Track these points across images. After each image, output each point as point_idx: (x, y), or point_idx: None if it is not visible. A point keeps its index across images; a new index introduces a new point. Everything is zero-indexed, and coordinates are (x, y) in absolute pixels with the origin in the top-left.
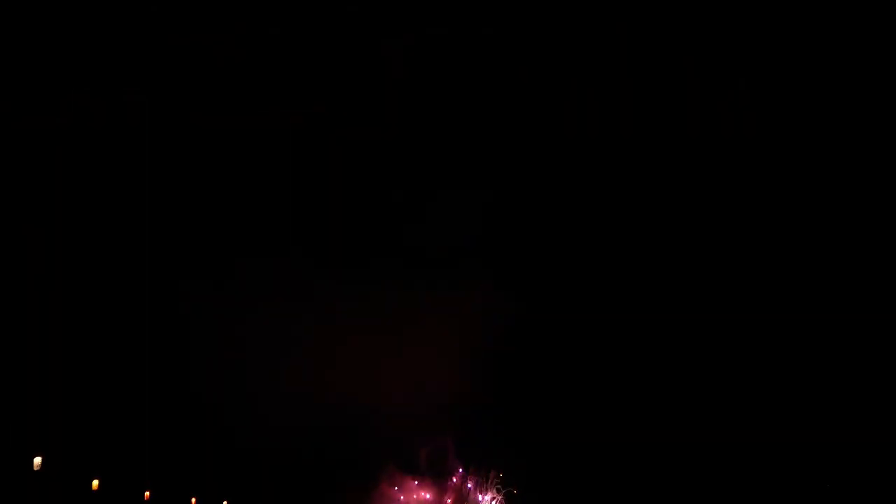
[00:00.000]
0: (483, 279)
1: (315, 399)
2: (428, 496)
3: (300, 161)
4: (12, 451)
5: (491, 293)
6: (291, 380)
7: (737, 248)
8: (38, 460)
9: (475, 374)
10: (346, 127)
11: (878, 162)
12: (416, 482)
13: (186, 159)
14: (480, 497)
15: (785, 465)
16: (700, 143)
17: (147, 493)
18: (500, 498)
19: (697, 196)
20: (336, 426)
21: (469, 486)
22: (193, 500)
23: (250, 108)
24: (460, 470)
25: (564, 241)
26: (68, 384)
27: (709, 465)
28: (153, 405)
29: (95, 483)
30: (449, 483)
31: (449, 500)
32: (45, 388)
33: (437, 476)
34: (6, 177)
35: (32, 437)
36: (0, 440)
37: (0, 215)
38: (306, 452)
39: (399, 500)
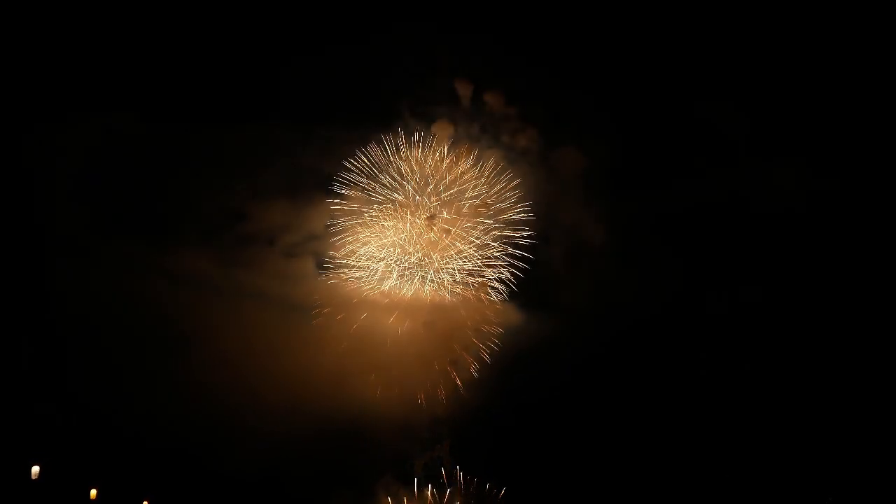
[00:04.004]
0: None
1: (309, 409)
2: None
3: None
4: (10, 460)
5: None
6: (285, 390)
7: None
8: (35, 469)
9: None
10: None
11: None
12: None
13: None
14: None
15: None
16: None
17: (145, 502)
18: None
19: None
20: (333, 436)
21: None
22: None
23: None
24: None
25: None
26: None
27: (710, 472)
28: (151, 414)
29: (93, 492)
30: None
31: None
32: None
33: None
34: None
35: (30, 446)
36: None
37: None
38: (303, 463)
39: None
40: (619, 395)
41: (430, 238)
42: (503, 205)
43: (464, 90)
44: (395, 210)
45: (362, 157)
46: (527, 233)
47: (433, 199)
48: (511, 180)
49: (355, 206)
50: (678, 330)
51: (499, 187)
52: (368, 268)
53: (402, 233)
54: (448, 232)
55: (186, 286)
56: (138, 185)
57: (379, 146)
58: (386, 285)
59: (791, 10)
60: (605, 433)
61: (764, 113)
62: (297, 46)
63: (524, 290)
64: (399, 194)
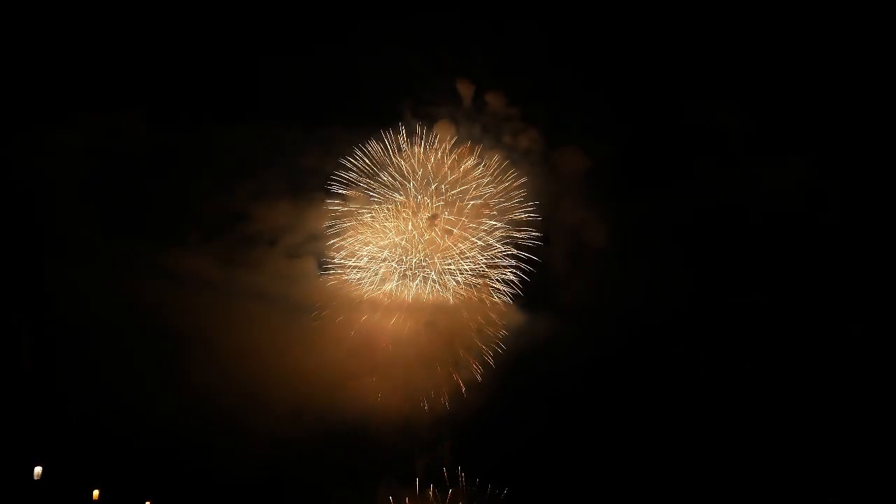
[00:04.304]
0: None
1: (311, 410)
2: None
3: None
4: (13, 460)
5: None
6: (287, 391)
7: None
8: (38, 470)
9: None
10: None
11: None
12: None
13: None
14: None
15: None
16: None
17: (147, 503)
18: None
19: None
20: (335, 437)
21: None
22: None
23: None
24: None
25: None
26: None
27: (712, 472)
28: (152, 415)
29: (96, 493)
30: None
31: None
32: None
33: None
34: None
35: (33, 446)
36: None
37: None
38: (305, 464)
39: None
40: (621, 396)
41: (432, 238)
42: (507, 204)
43: (465, 90)
44: (397, 210)
45: (363, 156)
46: (531, 233)
47: (435, 198)
48: (514, 180)
49: (355, 207)
50: (680, 330)
51: (502, 187)
52: (369, 269)
53: (404, 233)
54: (450, 232)
55: (188, 287)
56: (139, 186)
57: (380, 145)
58: (387, 286)
59: (793, 9)
60: (607, 434)
61: (767, 113)
62: (300, 46)
63: (527, 291)
64: (400, 194)
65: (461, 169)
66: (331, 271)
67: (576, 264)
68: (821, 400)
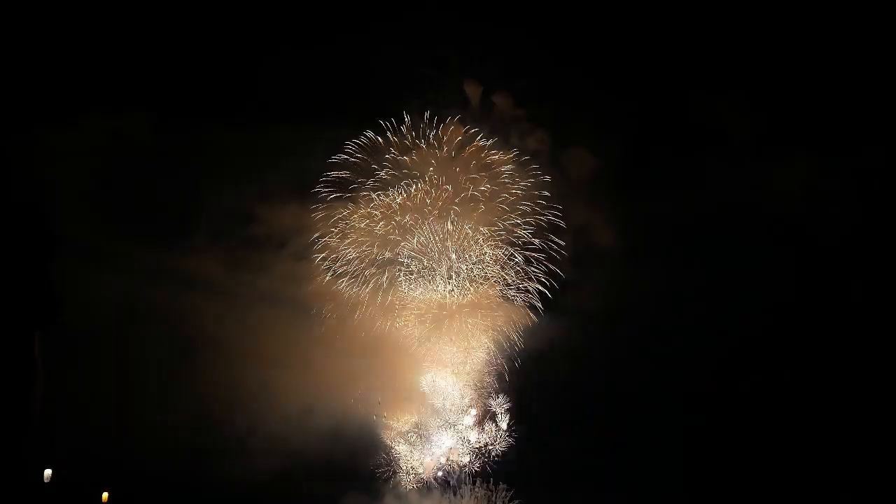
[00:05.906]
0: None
1: (319, 411)
2: None
3: None
4: (22, 463)
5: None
6: (296, 392)
7: None
8: (48, 472)
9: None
10: None
11: None
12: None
13: None
14: None
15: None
16: None
17: None
18: None
19: None
20: (342, 438)
21: None
22: None
23: None
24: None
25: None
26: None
27: (721, 472)
28: (160, 417)
29: (105, 495)
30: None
31: None
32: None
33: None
34: None
35: (41, 449)
36: (9, 453)
37: None
38: (312, 466)
39: None
40: (628, 398)
41: (442, 239)
42: (526, 206)
43: (473, 91)
44: (406, 210)
45: (366, 156)
46: (550, 237)
47: (446, 199)
48: (533, 179)
49: (355, 206)
50: (687, 332)
51: (519, 186)
52: (374, 271)
53: (414, 235)
54: (462, 234)
55: (195, 289)
56: (144, 187)
57: (385, 145)
58: (396, 288)
59: (805, 3)
60: (614, 436)
61: (778, 112)
62: (306, 48)
63: (535, 293)
64: (406, 192)
65: (471, 166)
66: (333, 273)
67: (585, 265)
68: (833, 397)
